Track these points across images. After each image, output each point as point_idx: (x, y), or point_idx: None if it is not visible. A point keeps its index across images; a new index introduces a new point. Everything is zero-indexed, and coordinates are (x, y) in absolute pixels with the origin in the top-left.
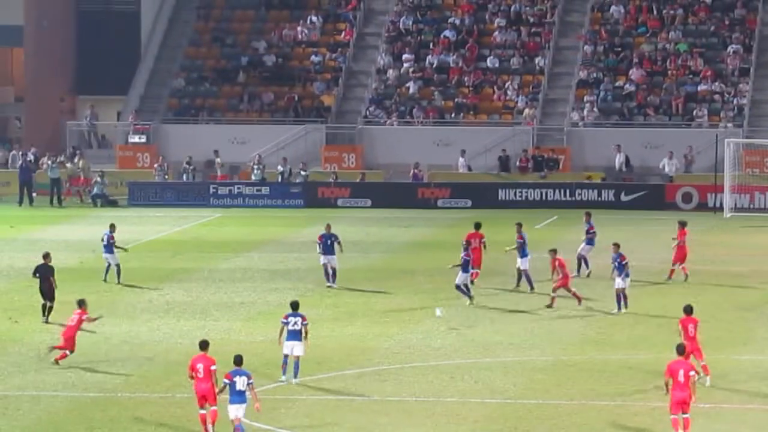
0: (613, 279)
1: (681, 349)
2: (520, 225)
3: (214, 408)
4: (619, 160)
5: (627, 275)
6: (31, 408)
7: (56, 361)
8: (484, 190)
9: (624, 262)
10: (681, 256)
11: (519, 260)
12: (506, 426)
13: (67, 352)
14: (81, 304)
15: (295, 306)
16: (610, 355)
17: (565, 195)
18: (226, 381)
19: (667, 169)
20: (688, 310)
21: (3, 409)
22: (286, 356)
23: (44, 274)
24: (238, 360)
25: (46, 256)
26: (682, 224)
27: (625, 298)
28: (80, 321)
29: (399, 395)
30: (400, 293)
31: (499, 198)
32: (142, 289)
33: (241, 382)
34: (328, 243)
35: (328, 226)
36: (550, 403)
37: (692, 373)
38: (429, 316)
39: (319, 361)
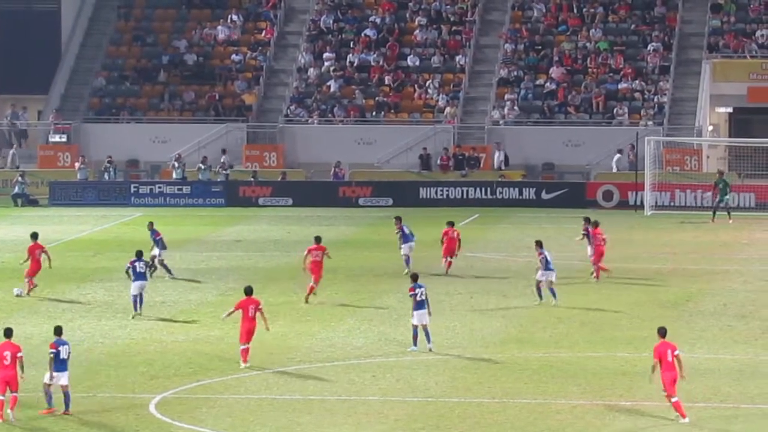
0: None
1: (663, 332)
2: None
3: (15, 394)
4: (498, 158)
5: (551, 269)
6: None
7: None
8: (406, 188)
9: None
10: (600, 254)
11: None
12: (428, 424)
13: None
14: (35, 236)
15: (415, 277)
16: (531, 353)
17: (486, 193)
18: (53, 351)
19: (616, 168)
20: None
21: None
22: (415, 327)
23: None
24: (59, 330)
25: None
26: (596, 223)
27: (553, 291)
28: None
29: (321, 394)
30: (321, 292)
31: (421, 196)
32: (63, 288)
33: (64, 351)
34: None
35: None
36: (472, 401)
37: (677, 352)
38: (351, 315)
39: (239, 360)
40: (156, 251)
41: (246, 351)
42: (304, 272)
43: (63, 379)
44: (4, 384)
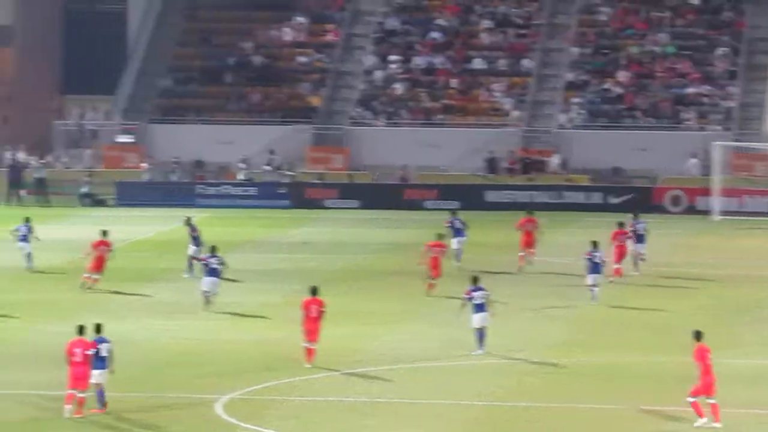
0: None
1: (699, 335)
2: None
3: (81, 395)
4: (555, 162)
5: (599, 272)
6: (17, 407)
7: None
8: (472, 191)
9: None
10: (620, 255)
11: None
12: (494, 429)
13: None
14: (105, 233)
15: (475, 280)
16: (597, 357)
17: (552, 197)
18: (92, 350)
19: (694, 171)
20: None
21: None
22: (477, 330)
23: None
24: (99, 328)
25: None
26: (621, 224)
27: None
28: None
29: (387, 396)
30: (387, 294)
31: (486, 199)
32: (130, 288)
33: (104, 349)
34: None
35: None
36: (538, 405)
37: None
38: (416, 318)
39: (304, 360)
40: (192, 248)
41: (310, 351)
42: (420, 267)
43: (99, 377)
44: (76, 380)
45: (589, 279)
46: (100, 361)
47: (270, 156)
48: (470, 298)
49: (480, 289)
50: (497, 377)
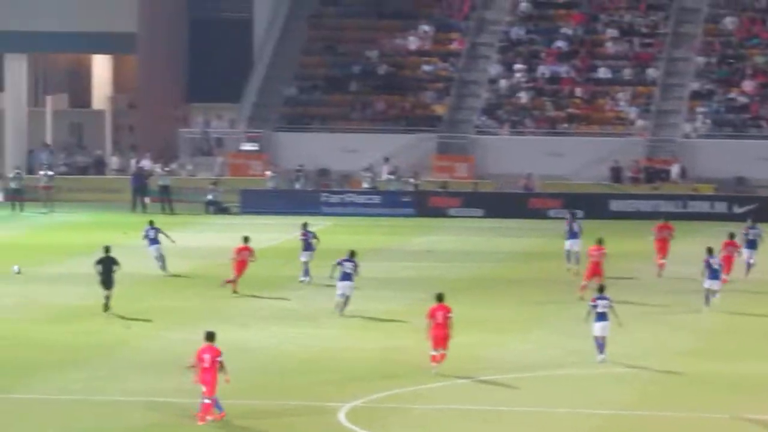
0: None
1: None
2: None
3: (208, 401)
4: (675, 171)
5: (717, 278)
6: (145, 414)
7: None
8: (596, 200)
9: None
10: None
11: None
12: None
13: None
14: (246, 240)
15: (601, 289)
16: (721, 365)
17: (676, 206)
18: (220, 357)
19: None
20: None
21: (116, 414)
22: (596, 338)
23: (107, 265)
24: (210, 336)
25: (107, 249)
26: (732, 235)
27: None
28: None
29: (510, 405)
30: (510, 303)
31: (611, 209)
32: (254, 296)
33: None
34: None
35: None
36: (661, 414)
37: None
38: (540, 326)
39: (430, 366)
40: (304, 253)
41: (434, 357)
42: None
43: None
44: (204, 386)
45: (706, 284)
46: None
47: (384, 164)
48: (594, 306)
49: (604, 298)
50: (620, 386)
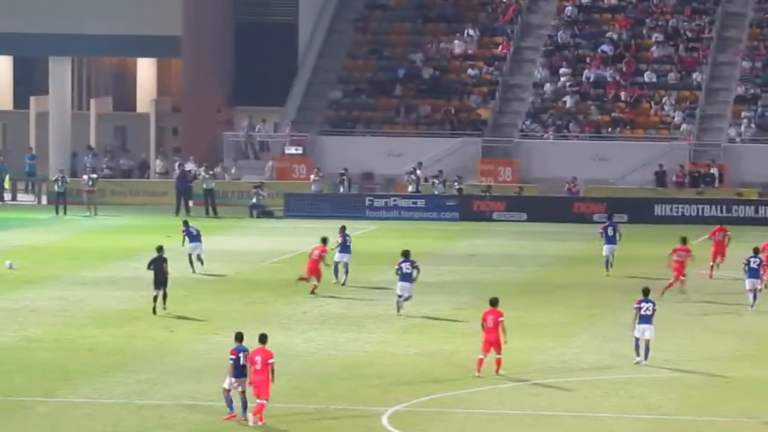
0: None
1: None
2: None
3: (262, 401)
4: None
5: (756, 277)
6: (187, 417)
7: (307, 285)
8: (640, 205)
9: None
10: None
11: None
12: None
13: (316, 282)
14: (324, 241)
15: (646, 292)
16: (766, 371)
17: (721, 211)
18: (232, 357)
19: None
20: None
21: (159, 418)
22: (637, 339)
23: (159, 265)
24: (240, 336)
25: (160, 248)
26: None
27: (755, 296)
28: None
29: (553, 410)
30: (554, 307)
31: (656, 213)
32: (297, 300)
33: (244, 357)
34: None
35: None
36: (705, 419)
37: None
38: (584, 330)
39: (473, 375)
40: (338, 255)
41: (481, 361)
42: (667, 269)
43: (243, 385)
44: (256, 388)
45: (747, 284)
46: (241, 370)
47: (413, 168)
48: (639, 308)
49: (649, 300)
50: (664, 390)
